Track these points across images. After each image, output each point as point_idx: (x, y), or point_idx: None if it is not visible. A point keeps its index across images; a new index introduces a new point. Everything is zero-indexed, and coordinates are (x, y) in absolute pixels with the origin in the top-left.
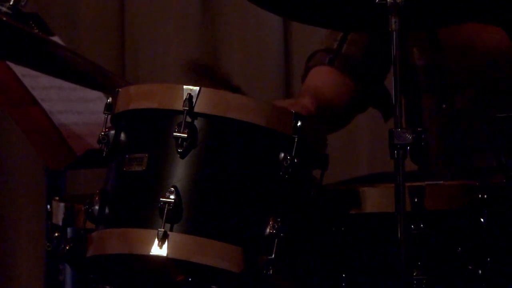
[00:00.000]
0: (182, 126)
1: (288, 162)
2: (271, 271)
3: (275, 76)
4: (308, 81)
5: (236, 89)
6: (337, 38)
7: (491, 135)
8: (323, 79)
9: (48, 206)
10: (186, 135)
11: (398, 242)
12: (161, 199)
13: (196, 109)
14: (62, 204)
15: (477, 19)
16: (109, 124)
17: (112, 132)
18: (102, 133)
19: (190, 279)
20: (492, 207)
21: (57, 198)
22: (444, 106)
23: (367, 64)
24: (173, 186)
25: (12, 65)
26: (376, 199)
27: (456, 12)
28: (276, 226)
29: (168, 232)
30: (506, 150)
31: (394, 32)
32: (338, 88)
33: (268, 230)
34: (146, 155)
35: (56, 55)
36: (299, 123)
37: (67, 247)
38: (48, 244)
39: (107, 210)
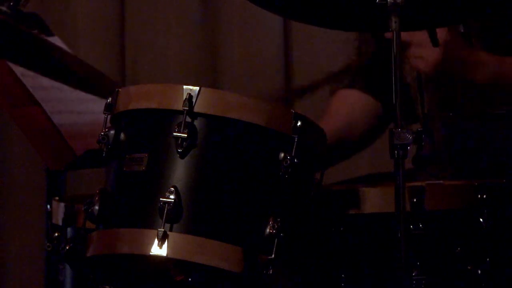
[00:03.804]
0: (182, 126)
1: (288, 162)
2: (271, 271)
3: (275, 76)
4: (329, 104)
5: None
6: (356, 53)
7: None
8: (341, 102)
9: (48, 206)
10: (186, 135)
11: (398, 242)
12: (161, 199)
13: (196, 109)
14: (62, 204)
15: (476, 18)
16: (109, 124)
17: (112, 132)
18: (102, 133)
19: (190, 279)
20: (491, 207)
21: (57, 198)
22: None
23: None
24: (173, 186)
25: (12, 65)
26: (376, 199)
27: (456, 12)
28: (276, 226)
29: (168, 232)
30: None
31: (394, 32)
32: (359, 109)
33: (268, 230)
34: (146, 155)
35: (55, 56)
36: (299, 123)
37: (67, 247)
38: (48, 244)
39: (107, 210)
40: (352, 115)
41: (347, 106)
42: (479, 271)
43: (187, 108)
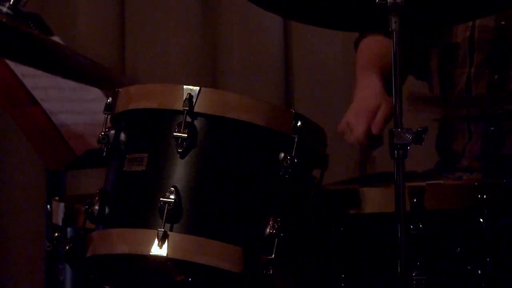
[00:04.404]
0: (182, 126)
1: (288, 162)
2: (271, 271)
3: (275, 76)
4: (367, 51)
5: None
6: None
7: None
8: (380, 46)
9: (48, 206)
10: (186, 135)
11: (398, 242)
12: (161, 199)
13: (196, 109)
14: (62, 204)
15: (477, 18)
16: (109, 124)
17: (112, 132)
18: (102, 133)
19: (190, 279)
20: (491, 207)
21: (57, 198)
22: (496, 77)
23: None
24: (173, 186)
25: (12, 65)
26: (376, 199)
27: (456, 12)
28: (276, 226)
29: (168, 232)
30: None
31: (394, 32)
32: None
33: (268, 230)
34: (146, 155)
35: (56, 54)
36: (299, 123)
37: (67, 247)
38: (48, 244)
39: (107, 210)
40: (387, 59)
41: (380, 44)
42: (479, 271)
43: (187, 108)
